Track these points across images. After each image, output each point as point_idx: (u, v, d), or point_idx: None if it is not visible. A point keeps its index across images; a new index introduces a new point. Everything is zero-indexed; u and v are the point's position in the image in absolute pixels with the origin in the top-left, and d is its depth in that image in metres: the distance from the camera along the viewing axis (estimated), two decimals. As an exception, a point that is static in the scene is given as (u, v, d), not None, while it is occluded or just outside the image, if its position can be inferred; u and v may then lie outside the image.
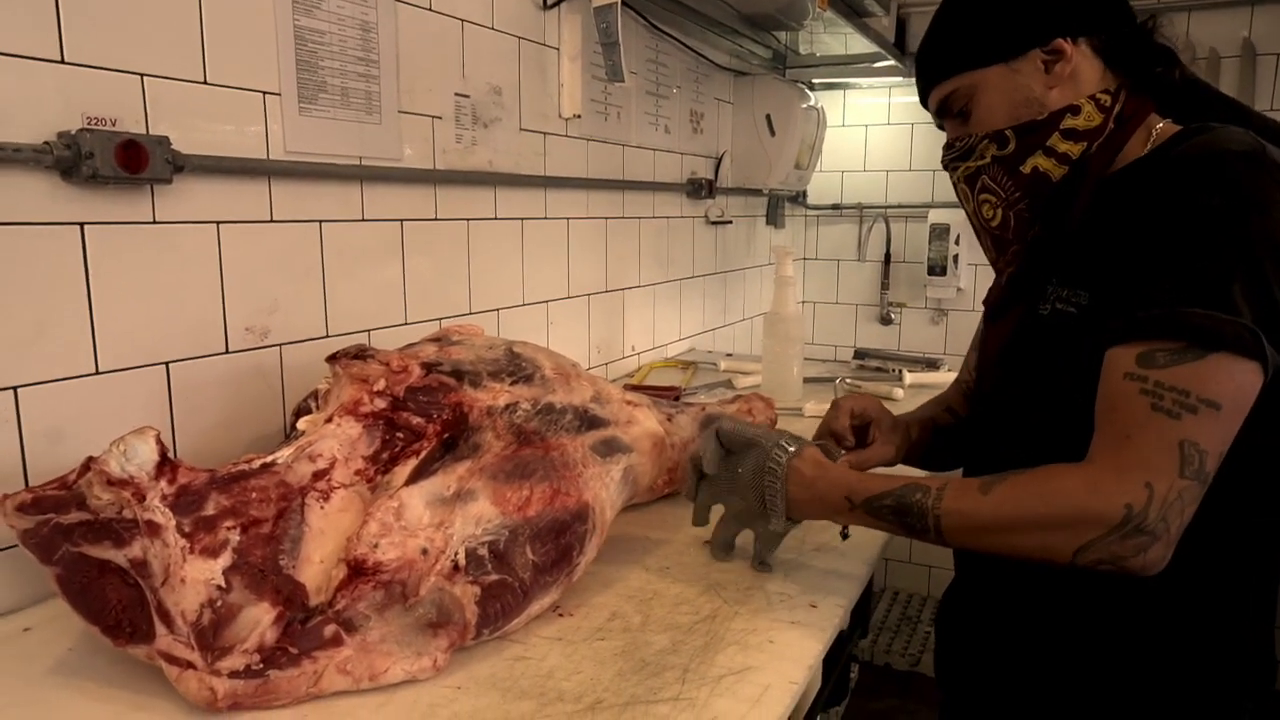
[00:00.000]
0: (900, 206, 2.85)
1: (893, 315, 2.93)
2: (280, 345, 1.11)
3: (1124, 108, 0.84)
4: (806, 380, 1.79)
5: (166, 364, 0.98)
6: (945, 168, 0.95)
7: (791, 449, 0.90)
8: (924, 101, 0.96)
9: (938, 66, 0.91)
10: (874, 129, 2.85)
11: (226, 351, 1.05)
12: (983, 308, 0.99)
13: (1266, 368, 0.69)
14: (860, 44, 2.36)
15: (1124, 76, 0.86)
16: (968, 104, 0.89)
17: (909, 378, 1.87)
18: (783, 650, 0.80)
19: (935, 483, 0.80)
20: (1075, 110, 0.84)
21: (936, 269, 2.76)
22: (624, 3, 1.51)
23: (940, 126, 0.96)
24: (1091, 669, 0.83)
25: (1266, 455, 0.77)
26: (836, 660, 0.91)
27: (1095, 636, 0.83)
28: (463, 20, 1.36)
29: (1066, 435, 0.77)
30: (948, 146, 0.93)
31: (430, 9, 1.29)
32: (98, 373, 0.92)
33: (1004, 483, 0.76)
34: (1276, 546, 0.83)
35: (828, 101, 2.76)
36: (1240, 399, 0.70)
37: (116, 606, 0.70)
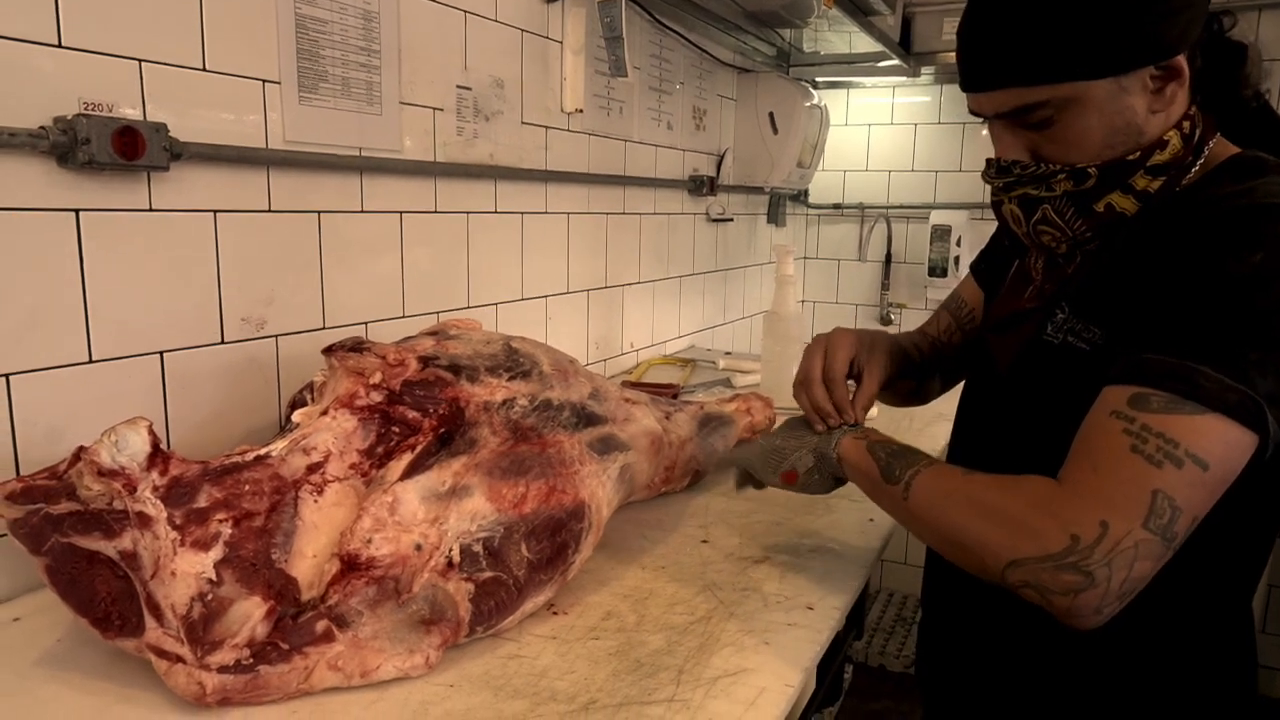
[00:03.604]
0: (902, 207, 2.84)
1: (893, 316, 2.92)
2: (277, 336, 1.11)
3: (1201, 132, 0.76)
4: (805, 380, 1.78)
5: (161, 354, 0.97)
6: (990, 183, 0.81)
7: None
8: (972, 89, 0.77)
9: (1027, 64, 0.72)
10: (877, 128, 2.84)
11: (222, 342, 1.04)
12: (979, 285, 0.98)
13: (1266, 442, 0.65)
14: (865, 43, 2.35)
15: (1197, 91, 0.76)
16: (1055, 116, 0.73)
17: (908, 379, 1.86)
18: (779, 652, 0.79)
19: (938, 460, 0.81)
20: (1163, 145, 0.74)
21: (937, 270, 2.75)
22: (628, -3, 1.50)
23: (977, 115, 0.79)
24: (1068, 675, 0.82)
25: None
26: (831, 662, 0.91)
27: (1071, 643, 0.79)
28: (465, 11, 1.35)
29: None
30: (1001, 169, 0.78)
31: (434, 0, 1.28)
32: (91, 361, 0.91)
33: (984, 474, 0.75)
34: (1256, 551, 0.80)
35: (831, 100, 2.75)
36: (1229, 466, 0.65)
37: (106, 598, 0.70)
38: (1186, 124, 0.75)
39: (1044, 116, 0.74)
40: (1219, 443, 0.64)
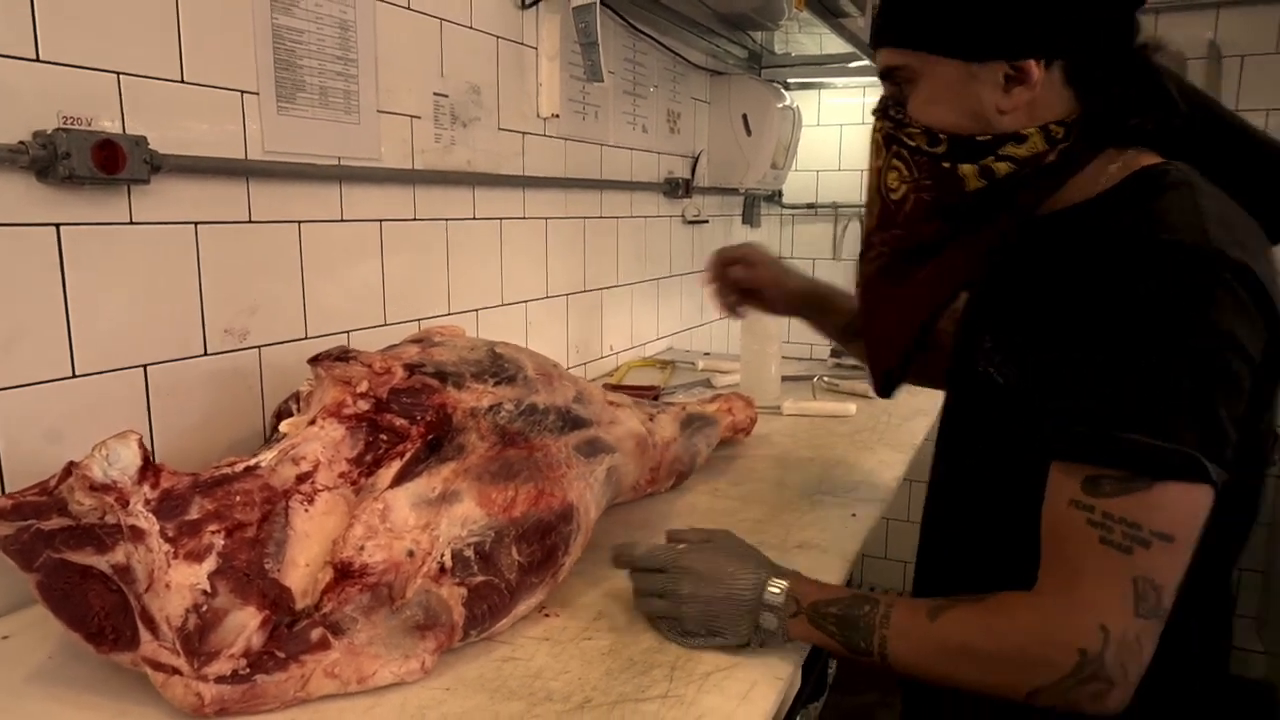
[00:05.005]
0: (874, 205, 2.87)
1: (867, 313, 2.95)
2: (260, 347, 1.10)
3: (1076, 145, 0.76)
4: (784, 379, 1.80)
5: (145, 366, 0.97)
6: (873, 113, 0.87)
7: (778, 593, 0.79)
8: (870, 45, 0.87)
9: (895, 27, 0.81)
10: (849, 128, 2.87)
11: (205, 354, 1.04)
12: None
13: (1216, 486, 0.66)
14: (835, 44, 2.38)
15: (1093, 107, 0.77)
16: (911, 84, 0.80)
17: (885, 375, 1.89)
18: (769, 647, 0.80)
19: (885, 598, 0.76)
20: (1020, 139, 0.76)
21: (910, 267, 2.78)
22: (602, 2, 1.51)
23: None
24: None
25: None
26: (816, 656, 0.92)
27: None
28: (441, 19, 1.35)
29: (988, 506, 0.82)
30: (883, 99, 0.85)
31: (409, 8, 1.28)
32: (75, 376, 0.90)
33: (953, 609, 0.73)
34: (1234, 534, 0.80)
35: (802, 101, 2.77)
36: (1193, 525, 0.67)
37: (99, 613, 0.70)
38: (1059, 130, 0.76)
39: (903, 80, 0.80)
40: (1176, 510, 0.66)
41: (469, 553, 0.80)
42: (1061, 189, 0.78)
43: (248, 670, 0.68)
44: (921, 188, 0.82)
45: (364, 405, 0.86)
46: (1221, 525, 0.72)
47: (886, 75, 0.83)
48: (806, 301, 1.21)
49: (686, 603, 0.80)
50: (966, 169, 0.78)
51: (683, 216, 2.31)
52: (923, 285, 0.86)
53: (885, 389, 1.00)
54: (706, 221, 2.46)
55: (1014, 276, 0.83)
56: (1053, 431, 0.70)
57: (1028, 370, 0.76)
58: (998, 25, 0.75)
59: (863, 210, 2.96)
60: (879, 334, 0.95)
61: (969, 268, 0.84)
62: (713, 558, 0.82)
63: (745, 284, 1.20)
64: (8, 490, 0.85)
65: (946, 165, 0.79)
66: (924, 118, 0.79)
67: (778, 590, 0.79)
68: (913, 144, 0.81)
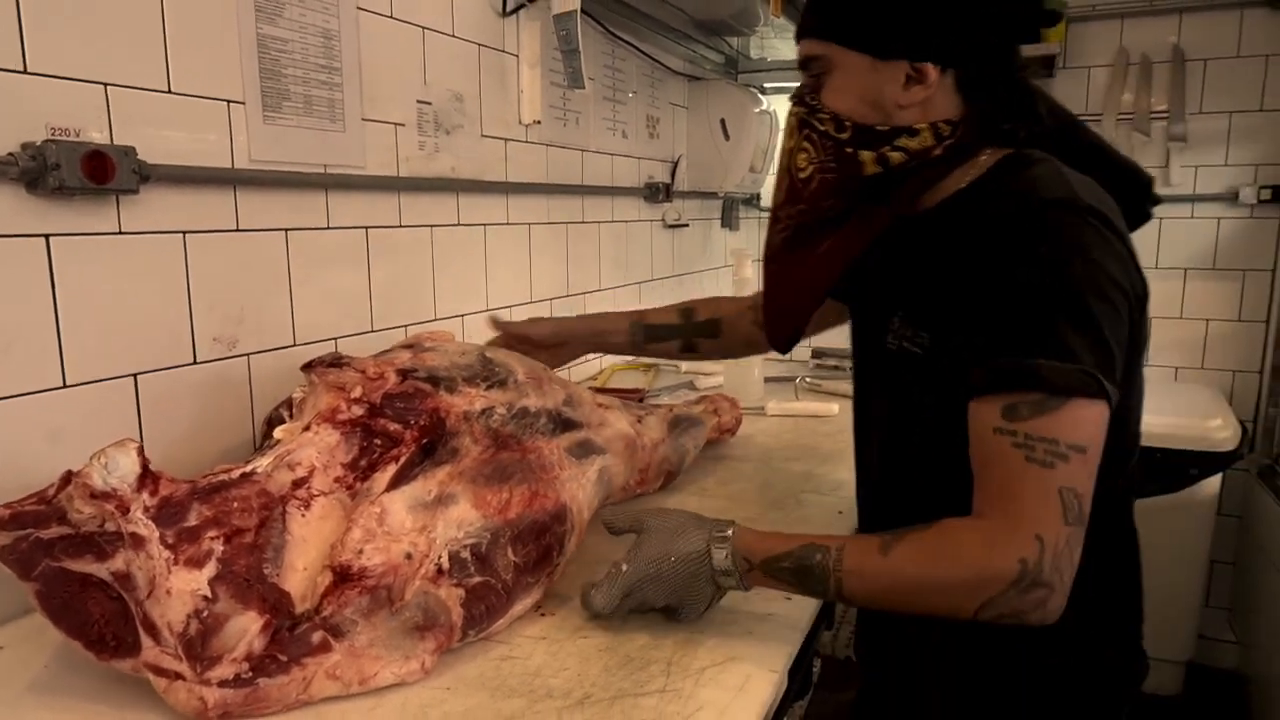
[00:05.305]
0: (851, 208, 2.90)
1: (846, 314, 2.98)
2: (248, 355, 1.11)
3: (959, 143, 0.86)
4: (767, 380, 1.82)
5: (135, 375, 0.97)
6: (790, 99, 0.95)
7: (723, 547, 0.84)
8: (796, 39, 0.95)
9: (814, 21, 0.90)
10: (824, 132, 2.90)
11: (195, 362, 1.04)
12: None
13: (1110, 402, 0.74)
14: (810, 49, 2.40)
15: (976, 112, 0.87)
16: (825, 74, 0.88)
17: (866, 375, 1.91)
18: (761, 641, 0.82)
19: (834, 542, 0.80)
20: (914, 133, 0.86)
21: (887, 269, 2.81)
22: (581, 10, 1.52)
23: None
24: (988, 653, 0.90)
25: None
26: (803, 655, 0.94)
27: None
28: (424, 28, 1.36)
29: (935, 466, 0.87)
30: (800, 87, 0.93)
31: (392, 16, 1.29)
32: (65, 386, 0.90)
33: (902, 542, 0.77)
34: (1118, 472, 0.85)
35: (779, 105, 2.80)
36: (1098, 438, 0.75)
37: (99, 620, 0.70)
38: (946, 127, 0.86)
39: (820, 70, 0.89)
40: (1085, 424, 0.74)
41: (466, 554, 0.81)
42: (943, 180, 0.88)
43: (250, 674, 0.69)
44: (826, 169, 0.90)
45: (358, 410, 0.86)
46: (1113, 450, 0.78)
47: (805, 65, 0.91)
48: (573, 336, 1.33)
49: (660, 601, 0.84)
50: (866, 155, 0.87)
51: (663, 220, 2.33)
52: (823, 257, 0.93)
53: (785, 346, 1.06)
54: (687, 225, 2.48)
55: (910, 261, 0.91)
56: (970, 372, 0.78)
57: (940, 332, 0.85)
58: (904, 30, 0.85)
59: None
60: (783, 299, 1.01)
61: (863, 244, 0.91)
62: (655, 550, 0.84)
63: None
64: (0, 500, 0.85)
65: (849, 150, 0.88)
66: (834, 104, 0.88)
67: (724, 554, 0.83)
68: (822, 129, 0.89)
